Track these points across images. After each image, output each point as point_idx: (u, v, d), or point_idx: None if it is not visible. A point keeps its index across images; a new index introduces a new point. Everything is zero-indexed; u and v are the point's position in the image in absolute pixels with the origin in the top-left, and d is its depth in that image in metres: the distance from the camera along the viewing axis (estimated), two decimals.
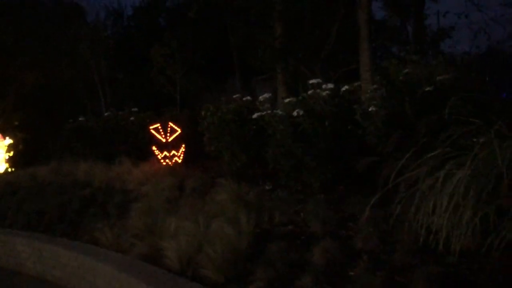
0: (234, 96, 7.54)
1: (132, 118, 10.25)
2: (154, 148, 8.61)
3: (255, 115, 6.38)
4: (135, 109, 10.58)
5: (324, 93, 5.35)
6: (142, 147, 9.57)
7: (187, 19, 11.86)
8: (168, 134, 8.57)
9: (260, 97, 6.43)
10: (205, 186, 6.75)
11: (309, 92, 5.59)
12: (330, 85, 5.51)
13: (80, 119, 11.59)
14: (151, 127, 8.65)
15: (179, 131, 8.53)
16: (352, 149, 5.43)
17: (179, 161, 8.59)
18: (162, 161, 8.58)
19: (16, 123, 14.86)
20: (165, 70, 11.89)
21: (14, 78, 14.44)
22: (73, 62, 14.52)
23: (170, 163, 8.53)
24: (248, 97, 7.48)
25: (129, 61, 16.35)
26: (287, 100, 5.85)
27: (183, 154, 8.64)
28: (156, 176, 7.66)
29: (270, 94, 6.26)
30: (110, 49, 15.09)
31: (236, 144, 7.08)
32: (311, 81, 5.60)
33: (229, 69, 16.72)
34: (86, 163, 9.33)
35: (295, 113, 5.40)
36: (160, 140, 8.59)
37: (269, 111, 5.98)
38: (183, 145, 8.58)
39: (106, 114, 11.32)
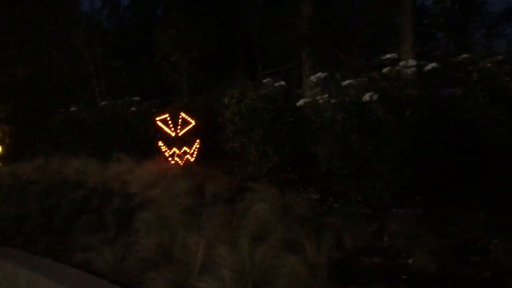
0: (264, 81, 6.10)
1: (133, 109, 8.76)
2: (160, 143, 7.15)
3: (300, 102, 4.95)
4: (137, 98, 9.08)
5: (409, 71, 3.93)
6: (144, 142, 8.13)
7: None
8: (179, 127, 7.10)
9: (312, 77, 4.98)
10: (231, 191, 5.34)
11: (384, 70, 4.16)
12: (412, 62, 4.09)
13: (71, 109, 10.15)
14: (157, 119, 7.18)
15: (193, 123, 7.05)
16: (442, 148, 4.03)
17: (192, 159, 7.12)
18: (170, 159, 7.11)
19: (3, 115, 13.59)
20: (170, 55, 10.45)
21: (4, 70, 13.20)
22: (66, 51, 13.19)
23: (180, 162, 7.06)
24: (282, 82, 6.04)
25: (128, 48, 14.99)
26: (346, 82, 4.42)
27: (197, 151, 7.17)
28: (165, 177, 6.20)
29: (325, 73, 4.81)
30: (107, 34, 13.79)
31: (269, 139, 5.65)
32: (385, 56, 4.18)
33: (233, 64, 15.60)
34: (78, 160, 7.94)
35: (366, 98, 3.96)
36: (169, 134, 7.12)
37: (325, 96, 4.53)
38: (198, 141, 7.10)
39: (102, 103, 9.83)
